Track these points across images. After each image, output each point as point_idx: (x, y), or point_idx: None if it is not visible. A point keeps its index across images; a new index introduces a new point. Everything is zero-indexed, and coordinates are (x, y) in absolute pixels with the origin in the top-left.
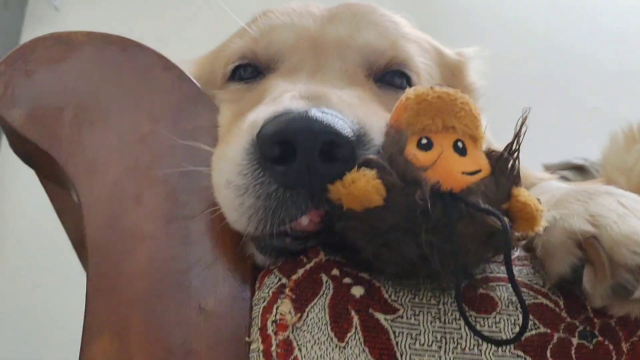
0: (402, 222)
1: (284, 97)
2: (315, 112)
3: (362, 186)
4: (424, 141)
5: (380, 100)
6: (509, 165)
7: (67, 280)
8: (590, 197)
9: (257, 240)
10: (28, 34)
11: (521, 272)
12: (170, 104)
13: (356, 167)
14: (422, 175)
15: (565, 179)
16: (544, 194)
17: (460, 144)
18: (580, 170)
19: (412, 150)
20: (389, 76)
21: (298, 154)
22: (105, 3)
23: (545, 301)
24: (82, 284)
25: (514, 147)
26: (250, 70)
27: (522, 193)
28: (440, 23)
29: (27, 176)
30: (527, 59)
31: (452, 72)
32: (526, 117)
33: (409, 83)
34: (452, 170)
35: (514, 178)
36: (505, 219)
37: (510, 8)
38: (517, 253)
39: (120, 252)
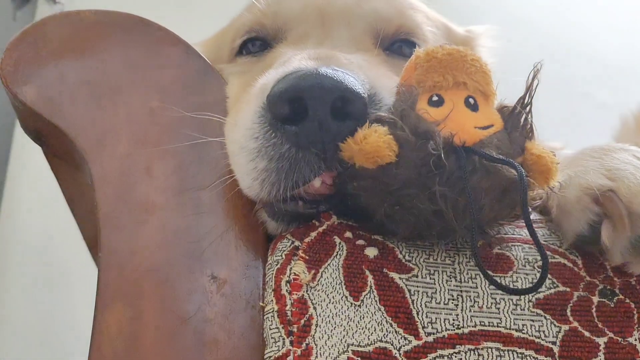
0: (415, 177)
1: (293, 59)
2: (325, 69)
3: (373, 142)
4: (435, 98)
5: (389, 66)
6: (522, 119)
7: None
8: (605, 153)
9: (270, 206)
10: None
11: (537, 233)
12: (178, 78)
13: (367, 124)
14: (434, 128)
15: None
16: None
17: (471, 100)
18: None
19: (423, 106)
20: (397, 45)
21: (309, 111)
22: (109, 3)
23: (563, 260)
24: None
25: (526, 101)
26: (258, 44)
27: (535, 147)
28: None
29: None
30: (535, 54)
31: None
32: (538, 70)
33: None
34: (464, 124)
35: (527, 132)
36: (520, 167)
37: (517, 3)
38: (531, 216)
39: (132, 223)
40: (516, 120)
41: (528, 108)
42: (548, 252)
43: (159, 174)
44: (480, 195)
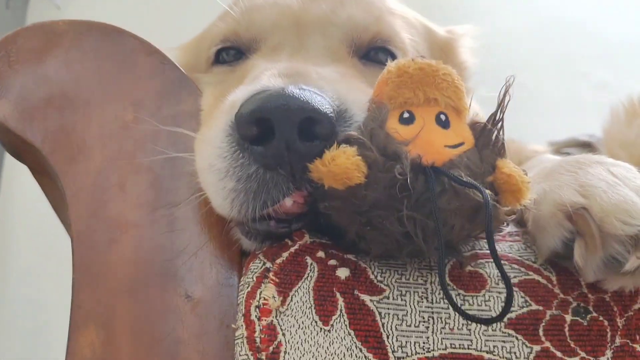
0: (384, 198)
1: (262, 75)
2: (292, 89)
3: (341, 163)
4: (406, 115)
5: (363, 77)
6: (493, 136)
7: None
8: (580, 167)
9: (242, 225)
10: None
11: (512, 247)
12: (153, 89)
13: (336, 145)
14: (402, 149)
15: (571, 155)
16: (536, 166)
17: (442, 117)
18: (587, 147)
19: (393, 125)
20: (374, 52)
21: (276, 132)
22: (108, 1)
23: (537, 277)
24: None
25: (497, 118)
26: (233, 53)
27: (506, 165)
28: None
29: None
30: (532, 32)
31: (443, 50)
32: (509, 86)
33: (394, 60)
34: (434, 143)
35: (498, 150)
36: (487, 192)
37: None
38: (507, 229)
39: (105, 241)
40: (487, 137)
41: (499, 125)
42: (522, 269)
43: (133, 190)
44: (450, 216)
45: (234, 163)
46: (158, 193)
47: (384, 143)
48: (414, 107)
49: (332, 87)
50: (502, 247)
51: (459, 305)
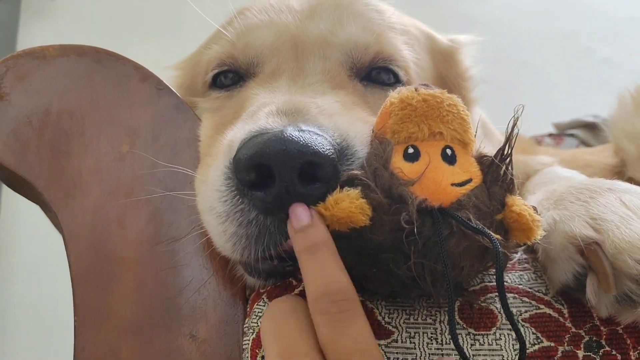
0: (390, 241)
1: (260, 113)
2: (291, 132)
3: (345, 207)
4: (411, 150)
5: (365, 102)
6: (501, 172)
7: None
8: (592, 196)
9: (245, 264)
10: (25, 26)
11: (522, 277)
12: (149, 117)
13: (339, 188)
14: (408, 192)
15: (575, 137)
16: (544, 183)
17: (449, 151)
18: (591, 128)
19: (397, 163)
20: (375, 72)
21: (276, 177)
22: None
23: (548, 311)
24: None
25: (505, 152)
26: (231, 76)
27: (516, 202)
28: None
29: None
30: (535, 8)
31: (445, 59)
32: (517, 119)
33: (397, 79)
34: (440, 182)
35: (507, 185)
36: (497, 237)
37: None
38: (517, 256)
39: (106, 280)
40: (496, 173)
41: (508, 160)
42: (533, 302)
43: (132, 225)
44: (459, 258)
45: (233, 208)
46: (158, 228)
47: (388, 184)
48: (418, 141)
49: (332, 122)
50: (511, 278)
51: (470, 344)
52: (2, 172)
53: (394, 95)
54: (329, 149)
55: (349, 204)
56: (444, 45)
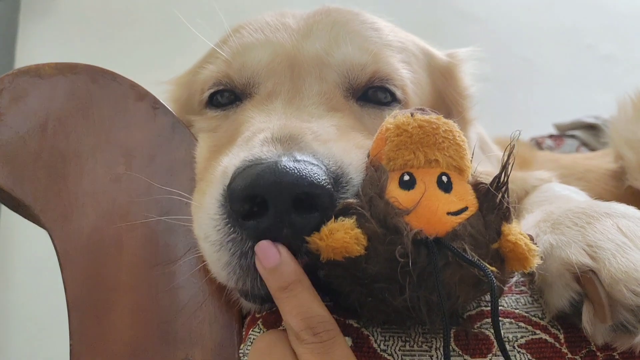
0: (385, 271)
1: (255, 140)
2: (286, 163)
3: (340, 238)
4: (406, 178)
5: (361, 123)
6: (497, 200)
7: None
8: (589, 222)
9: (240, 290)
10: (25, 25)
11: (518, 301)
12: (145, 137)
13: (333, 217)
14: (403, 222)
15: (576, 138)
16: (543, 203)
17: (444, 178)
18: (593, 129)
19: (393, 192)
20: (372, 92)
21: (269, 208)
22: None
23: (544, 336)
24: None
25: (501, 181)
26: (227, 95)
27: (512, 231)
28: None
29: None
30: (535, 5)
31: (443, 76)
32: (514, 147)
33: (394, 98)
34: (436, 211)
35: (503, 214)
36: (492, 270)
37: None
38: (514, 279)
39: (102, 305)
40: (492, 201)
41: (504, 188)
42: (529, 327)
43: (128, 248)
44: (454, 288)
45: (226, 237)
46: (154, 250)
47: (383, 214)
48: (414, 169)
49: (327, 149)
50: (508, 302)
51: None
52: (1, 194)
53: (390, 120)
54: (324, 179)
55: (344, 234)
56: (442, 62)
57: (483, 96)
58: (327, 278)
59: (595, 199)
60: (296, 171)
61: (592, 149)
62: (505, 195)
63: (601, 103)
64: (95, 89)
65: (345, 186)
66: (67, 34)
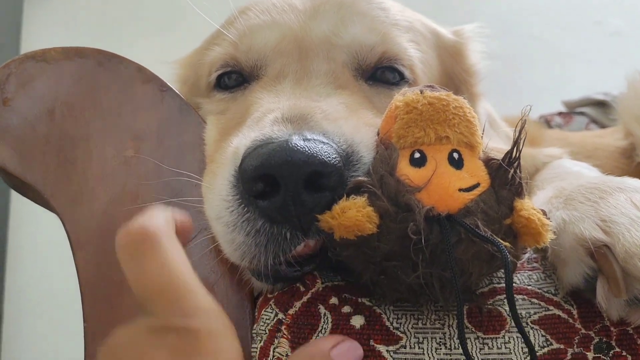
0: (397, 249)
1: (265, 120)
2: (296, 142)
3: (352, 216)
4: (417, 155)
5: (371, 102)
6: (509, 176)
7: None
8: (601, 196)
9: (253, 270)
10: (29, 13)
11: (531, 277)
12: (153, 120)
13: (345, 195)
14: (414, 199)
15: (586, 115)
16: (554, 179)
17: (455, 155)
18: (602, 106)
19: (404, 169)
20: (380, 72)
21: (281, 187)
22: None
23: (557, 312)
24: None
25: (513, 156)
26: (234, 77)
27: (525, 206)
28: None
29: None
30: None
31: (451, 55)
32: (525, 122)
33: (402, 77)
34: (447, 187)
35: (516, 189)
36: (506, 245)
37: None
38: (527, 255)
39: (114, 286)
40: (504, 177)
41: (516, 163)
42: (542, 304)
43: None
44: (467, 265)
45: (240, 217)
46: None
47: (395, 192)
48: (424, 146)
49: (337, 127)
50: (520, 279)
51: (478, 349)
52: (9, 179)
53: (399, 98)
54: (335, 157)
55: (356, 212)
56: (449, 41)
57: (490, 73)
58: (339, 257)
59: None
60: (307, 149)
61: (602, 126)
62: (517, 171)
63: (610, 79)
64: (102, 72)
65: (356, 164)
66: (72, 18)
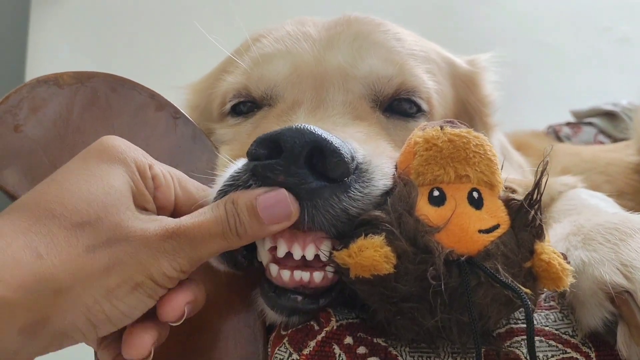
0: (415, 291)
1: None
2: (308, 125)
3: (369, 255)
4: (436, 193)
5: (387, 134)
6: (530, 217)
7: None
8: (622, 238)
9: (269, 297)
10: (36, 15)
11: (548, 317)
12: (166, 148)
13: (363, 235)
14: (434, 241)
15: (594, 126)
16: (571, 212)
17: (475, 194)
18: (611, 117)
19: (423, 208)
20: (397, 103)
21: (283, 150)
22: None
23: (575, 354)
24: None
25: (534, 198)
26: (249, 105)
27: (545, 250)
28: None
29: None
30: None
31: (465, 84)
32: (547, 164)
33: (419, 109)
34: (467, 229)
35: (536, 231)
36: (526, 292)
37: None
38: (545, 293)
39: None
40: (524, 218)
41: (537, 205)
42: (559, 346)
43: None
44: (486, 309)
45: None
46: None
47: (413, 232)
48: (444, 184)
49: (356, 143)
50: (537, 319)
51: None
52: None
53: (418, 134)
54: (343, 148)
55: (373, 252)
56: (464, 70)
57: (499, 80)
58: (355, 293)
59: (618, 194)
60: (317, 130)
61: (610, 137)
62: (539, 213)
63: (618, 85)
64: (114, 98)
65: (366, 182)
66: (79, 22)
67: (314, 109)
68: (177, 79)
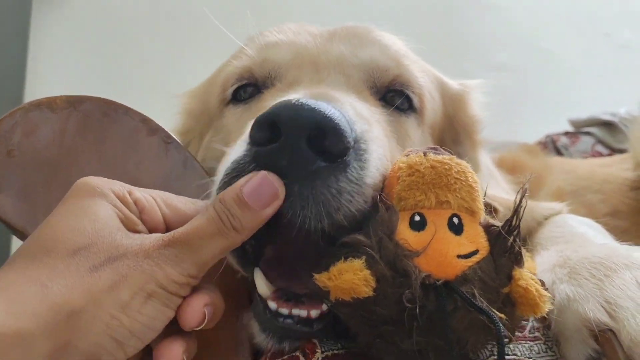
0: (393, 314)
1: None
2: (307, 100)
3: (349, 279)
4: (417, 218)
5: (386, 122)
6: (509, 244)
7: None
8: (607, 274)
9: (261, 321)
10: (37, 15)
11: (532, 349)
12: (157, 173)
13: (343, 258)
14: (412, 265)
15: (592, 135)
16: (558, 241)
17: (455, 220)
18: (609, 127)
19: (403, 232)
20: (390, 95)
21: (282, 135)
22: None
23: None
24: None
25: (513, 224)
26: (250, 90)
27: (523, 276)
28: None
29: None
30: None
31: (454, 102)
32: (525, 190)
33: (410, 105)
34: (446, 254)
35: (515, 257)
36: (501, 317)
37: None
38: (529, 325)
39: None
40: (503, 245)
41: (516, 232)
42: None
43: None
44: (464, 333)
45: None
46: None
47: (393, 256)
48: (425, 209)
49: (360, 119)
50: (522, 350)
51: None
52: (12, 231)
53: (402, 159)
54: (343, 122)
55: (353, 275)
56: (453, 89)
57: (498, 86)
58: (337, 315)
59: (613, 213)
60: (315, 106)
61: (608, 147)
62: (517, 239)
63: (618, 92)
64: (107, 123)
65: (362, 155)
66: (80, 25)
67: (315, 85)
68: (177, 81)
